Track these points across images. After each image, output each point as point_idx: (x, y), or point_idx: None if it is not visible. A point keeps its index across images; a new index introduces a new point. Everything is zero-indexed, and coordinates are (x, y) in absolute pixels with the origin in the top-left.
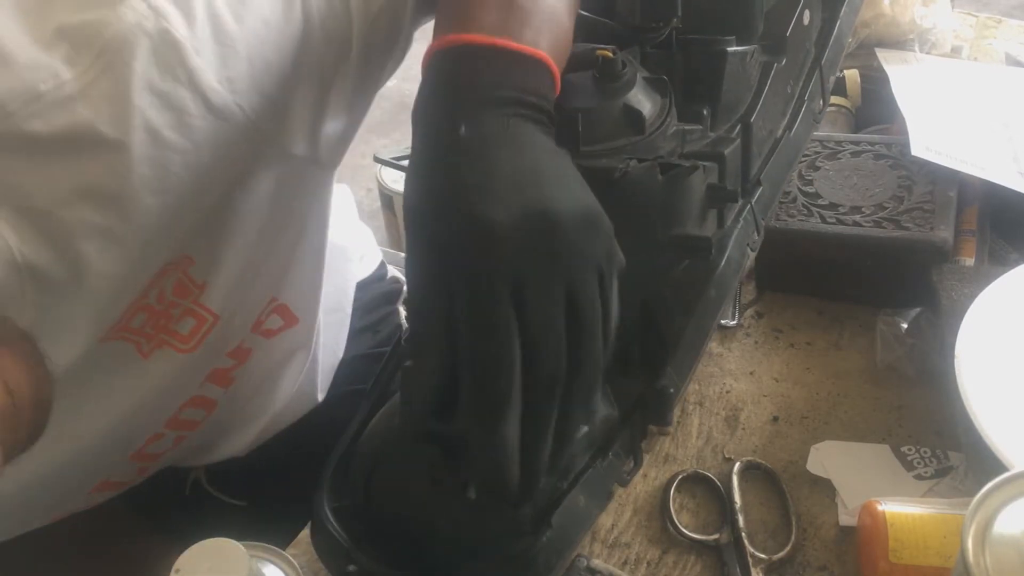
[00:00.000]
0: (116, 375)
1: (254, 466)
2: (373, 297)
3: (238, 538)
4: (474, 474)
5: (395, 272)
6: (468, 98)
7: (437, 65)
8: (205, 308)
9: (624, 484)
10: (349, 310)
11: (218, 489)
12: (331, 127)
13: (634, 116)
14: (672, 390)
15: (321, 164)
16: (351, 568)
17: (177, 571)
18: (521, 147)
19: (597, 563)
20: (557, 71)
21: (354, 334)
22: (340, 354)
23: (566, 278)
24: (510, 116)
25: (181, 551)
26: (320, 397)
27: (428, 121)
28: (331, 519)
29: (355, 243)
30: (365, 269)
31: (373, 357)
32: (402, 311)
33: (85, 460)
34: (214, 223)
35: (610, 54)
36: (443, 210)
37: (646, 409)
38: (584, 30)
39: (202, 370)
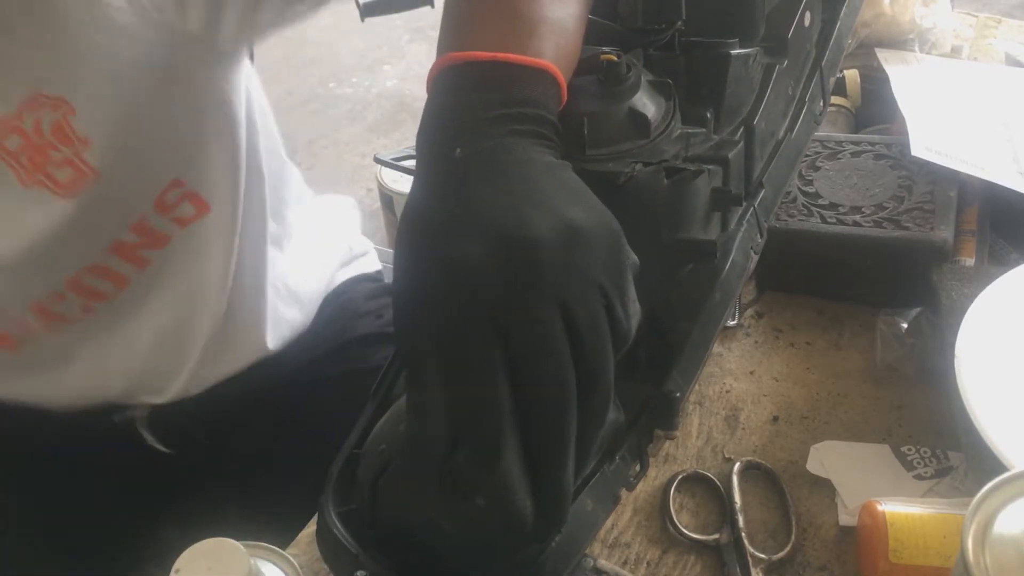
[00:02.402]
0: None
1: (195, 415)
2: (376, 288)
3: (229, 524)
4: (487, 511)
5: None
6: (463, 120)
7: (438, 85)
8: (85, 163)
9: (631, 488)
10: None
11: (152, 434)
12: (235, 15)
13: (639, 120)
14: (678, 395)
15: (219, 49)
16: (359, 573)
17: (177, 571)
18: (511, 168)
19: (603, 563)
20: (563, 79)
21: (357, 316)
22: (304, 314)
23: (557, 300)
24: (505, 135)
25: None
26: (269, 340)
27: (427, 145)
28: (337, 523)
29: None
30: (368, 265)
31: (376, 337)
32: None
33: None
34: (91, 76)
35: (614, 57)
36: (424, 250)
37: (652, 414)
38: (586, 33)
39: (96, 233)
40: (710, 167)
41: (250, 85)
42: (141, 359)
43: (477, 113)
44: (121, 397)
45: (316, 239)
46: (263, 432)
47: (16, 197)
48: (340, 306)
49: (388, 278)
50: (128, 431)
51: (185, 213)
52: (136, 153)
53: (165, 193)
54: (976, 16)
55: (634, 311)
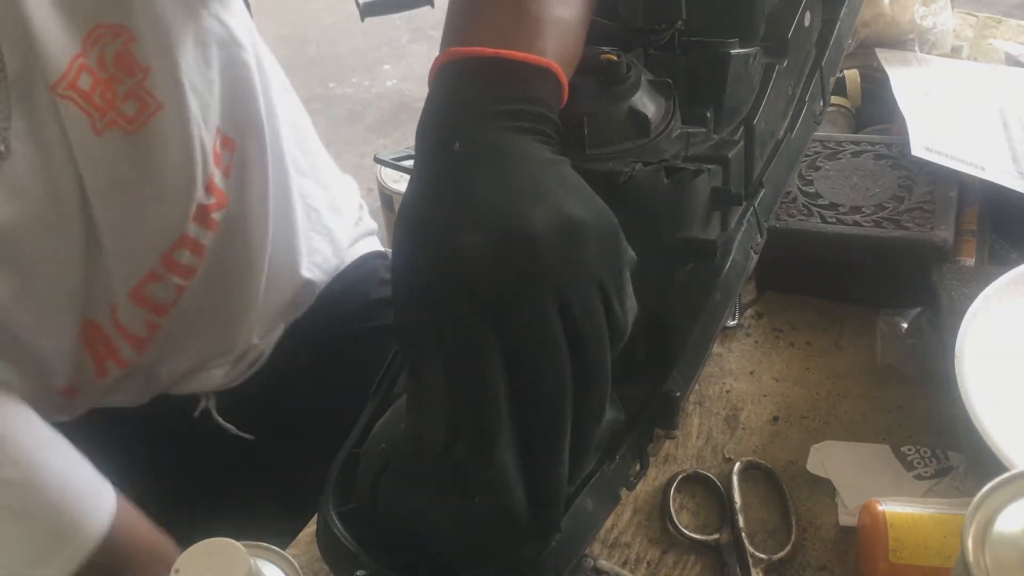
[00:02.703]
0: (74, 147)
1: (255, 398)
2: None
3: (235, 520)
4: (485, 506)
5: None
6: (464, 114)
7: (440, 79)
8: (150, 94)
9: (631, 488)
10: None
11: (227, 419)
12: None
13: (639, 119)
14: (678, 394)
15: None
16: (359, 573)
17: (177, 571)
18: (510, 162)
19: (603, 563)
20: (565, 79)
21: (378, 284)
22: (334, 251)
23: (555, 294)
24: (505, 131)
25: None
26: (303, 267)
27: (427, 138)
28: (337, 523)
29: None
30: (376, 243)
31: (387, 330)
32: None
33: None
34: (143, 3)
35: (614, 57)
36: (422, 242)
37: (652, 413)
38: (587, 32)
39: (171, 186)
40: (710, 167)
41: (253, 34)
42: (219, 320)
43: (478, 108)
44: (196, 368)
45: (336, 183)
46: (292, 407)
47: (93, 149)
48: (361, 276)
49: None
50: (141, 422)
51: (224, 160)
52: (192, 90)
53: (215, 142)
54: (976, 16)
55: (630, 307)
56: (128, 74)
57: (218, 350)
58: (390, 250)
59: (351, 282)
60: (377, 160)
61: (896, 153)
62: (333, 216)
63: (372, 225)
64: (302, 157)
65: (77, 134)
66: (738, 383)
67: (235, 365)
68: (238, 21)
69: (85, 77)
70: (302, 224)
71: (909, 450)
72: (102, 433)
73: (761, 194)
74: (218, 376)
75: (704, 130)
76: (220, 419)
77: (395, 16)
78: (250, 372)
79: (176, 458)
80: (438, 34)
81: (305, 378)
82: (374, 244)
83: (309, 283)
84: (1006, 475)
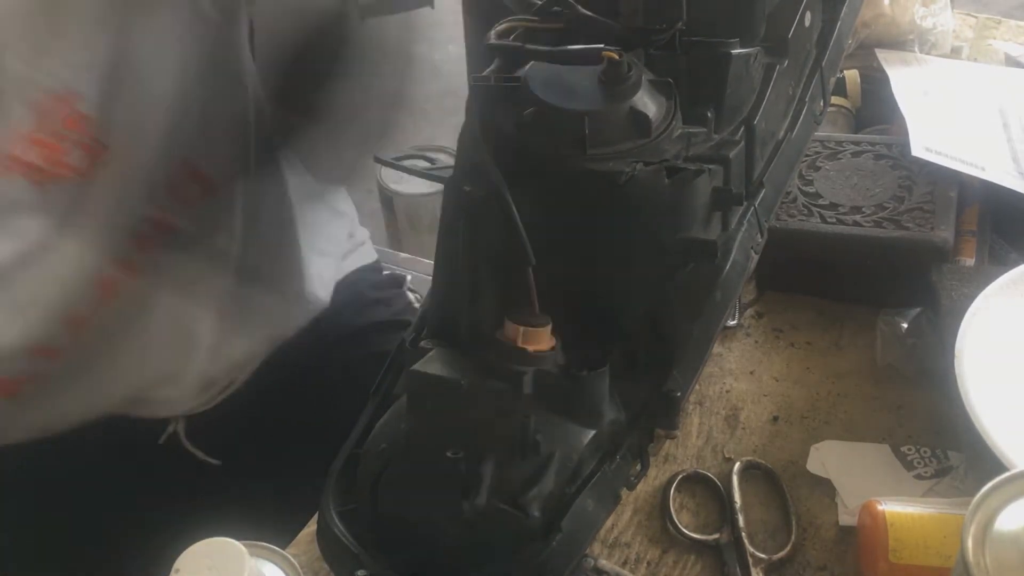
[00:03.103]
0: None
1: (229, 422)
2: (381, 280)
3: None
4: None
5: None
6: None
7: None
8: (95, 140)
9: (631, 488)
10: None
11: (195, 445)
12: None
13: (640, 119)
14: (679, 394)
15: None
16: (359, 573)
17: (177, 571)
18: None
19: (604, 563)
20: None
21: (368, 305)
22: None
23: None
24: None
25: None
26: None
27: None
28: (337, 523)
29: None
30: (367, 255)
31: (387, 325)
32: (409, 294)
33: None
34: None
35: (615, 57)
36: None
37: (652, 413)
38: (587, 31)
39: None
40: (711, 167)
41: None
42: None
43: None
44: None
45: (328, 205)
46: (270, 430)
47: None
48: (352, 294)
49: (386, 270)
50: (129, 432)
51: (192, 193)
52: (141, 127)
53: (175, 174)
54: (976, 17)
55: None
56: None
57: (156, 379)
58: (389, 250)
59: (341, 303)
60: (377, 160)
61: (896, 153)
62: (328, 231)
63: (360, 237)
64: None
65: None
66: (738, 383)
67: (202, 391)
68: (233, 41)
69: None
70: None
71: (909, 450)
72: (96, 436)
73: (762, 194)
74: (179, 401)
75: (705, 130)
76: (187, 444)
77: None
78: (222, 397)
79: (172, 460)
80: (438, 34)
81: (291, 395)
82: (362, 257)
83: (292, 339)
84: (1006, 475)
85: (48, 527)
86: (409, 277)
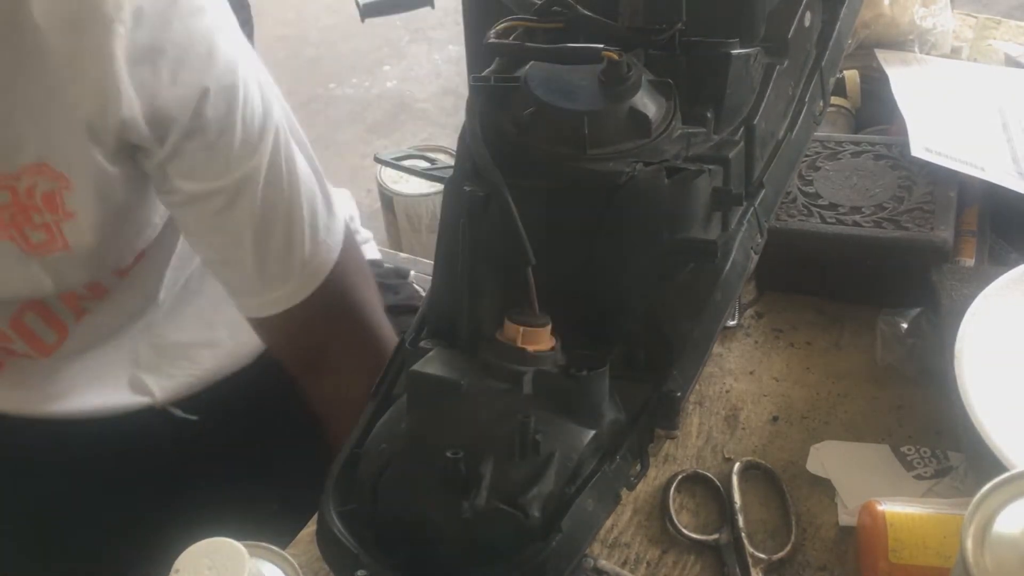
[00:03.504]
0: None
1: (229, 419)
2: (386, 271)
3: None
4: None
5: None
6: None
7: None
8: (62, 234)
9: (631, 488)
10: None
11: (195, 445)
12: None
13: (640, 119)
14: (679, 394)
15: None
16: (359, 573)
17: (177, 571)
18: None
19: (603, 563)
20: None
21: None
22: None
23: None
24: None
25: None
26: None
27: None
28: (337, 523)
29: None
30: (369, 253)
31: (395, 309)
32: (414, 284)
33: None
34: (88, 165)
35: (615, 57)
36: None
37: (652, 413)
38: (587, 31)
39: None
40: (711, 167)
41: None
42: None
43: None
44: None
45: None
46: (270, 430)
47: None
48: None
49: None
50: (129, 431)
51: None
52: (107, 241)
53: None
54: (976, 17)
55: None
56: (51, 210)
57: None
58: (389, 251)
59: None
60: (377, 160)
61: (896, 153)
62: None
63: (362, 237)
64: None
65: None
66: (738, 383)
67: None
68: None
69: (4, 195)
70: None
71: (909, 450)
72: (96, 437)
73: (761, 194)
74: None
75: (704, 130)
76: (175, 410)
77: (395, 17)
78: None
79: (172, 460)
80: (438, 34)
81: (291, 395)
82: (369, 255)
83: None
84: (1006, 475)
85: (48, 527)
86: (412, 272)
